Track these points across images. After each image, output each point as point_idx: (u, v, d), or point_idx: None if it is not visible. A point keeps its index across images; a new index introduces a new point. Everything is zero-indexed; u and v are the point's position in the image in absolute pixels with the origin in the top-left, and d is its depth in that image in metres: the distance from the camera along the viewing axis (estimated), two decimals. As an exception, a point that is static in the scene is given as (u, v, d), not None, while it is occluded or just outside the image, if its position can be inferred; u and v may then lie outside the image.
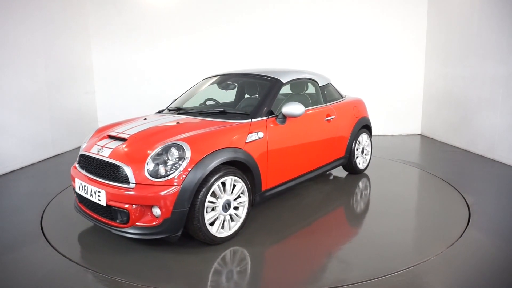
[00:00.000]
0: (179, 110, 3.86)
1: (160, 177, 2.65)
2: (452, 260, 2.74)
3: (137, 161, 2.73)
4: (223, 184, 2.90)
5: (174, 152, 2.72)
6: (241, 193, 3.06)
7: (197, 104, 4.08)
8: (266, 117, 3.42)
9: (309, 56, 7.44)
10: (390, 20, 7.43)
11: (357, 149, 4.71)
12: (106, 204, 2.77)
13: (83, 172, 3.09)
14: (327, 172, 4.70)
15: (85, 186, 2.96)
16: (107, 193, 2.75)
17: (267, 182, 3.37)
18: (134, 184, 2.67)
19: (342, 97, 4.71)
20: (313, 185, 4.47)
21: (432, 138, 7.27)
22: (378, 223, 3.48)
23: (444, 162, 5.59)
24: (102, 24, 7.21)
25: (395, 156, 5.82)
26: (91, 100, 7.25)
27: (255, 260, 2.80)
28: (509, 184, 4.54)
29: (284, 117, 3.51)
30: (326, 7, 7.34)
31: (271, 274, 2.63)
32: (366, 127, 4.90)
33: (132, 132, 3.15)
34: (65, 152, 6.22)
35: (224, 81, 4.26)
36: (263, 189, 3.33)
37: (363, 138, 4.82)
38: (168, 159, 2.70)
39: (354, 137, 4.60)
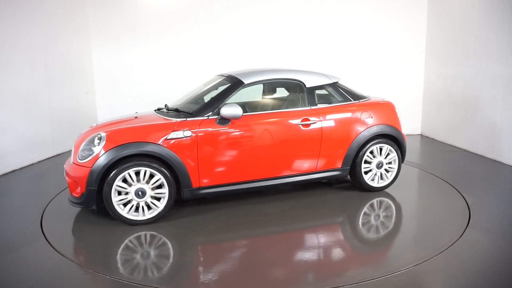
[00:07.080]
0: (165, 108, 4.03)
1: (83, 160, 3.28)
2: (452, 260, 2.74)
3: (78, 146, 3.44)
4: (137, 173, 3.28)
5: (96, 141, 3.31)
6: (162, 185, 3.35)
7: (197, 103, 4.09)
8: (205, 117, 3.52)
9: (309, 56, 7.42)
10: (390, 20, 7.42)
11: (366, 161, 4.09)
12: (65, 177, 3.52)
13: None
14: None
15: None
16: (65, 169, 3.55)
17: (200, 180, 3.51)
18: (72, 164, 3.41)
19: (355, 99, 4.15)
20: (302, 187, 4.47)
21: (432, 138, 7.26)
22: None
23: (444, 162, 5.59)
24: (102, 24, 7.20)
25: (395, 156, 5.80)
26: (91, 100, 7.25)
27: (176, 248, 3.01)
28: (509, 184, 4.54)
29: (225, 119, 3.53)
30: (326, 7, 7.33)
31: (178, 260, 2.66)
32: (388, 137, 4.14)
33: (101, 123, 3.82)
34: (65, 152, 6.21)
35: (214, 82, 4.25)
36: (194, 186, 3.49)
37: (382, 150, 4.11)
38: (93, 146, 3.28)
39: (361, 147, 4.00)
